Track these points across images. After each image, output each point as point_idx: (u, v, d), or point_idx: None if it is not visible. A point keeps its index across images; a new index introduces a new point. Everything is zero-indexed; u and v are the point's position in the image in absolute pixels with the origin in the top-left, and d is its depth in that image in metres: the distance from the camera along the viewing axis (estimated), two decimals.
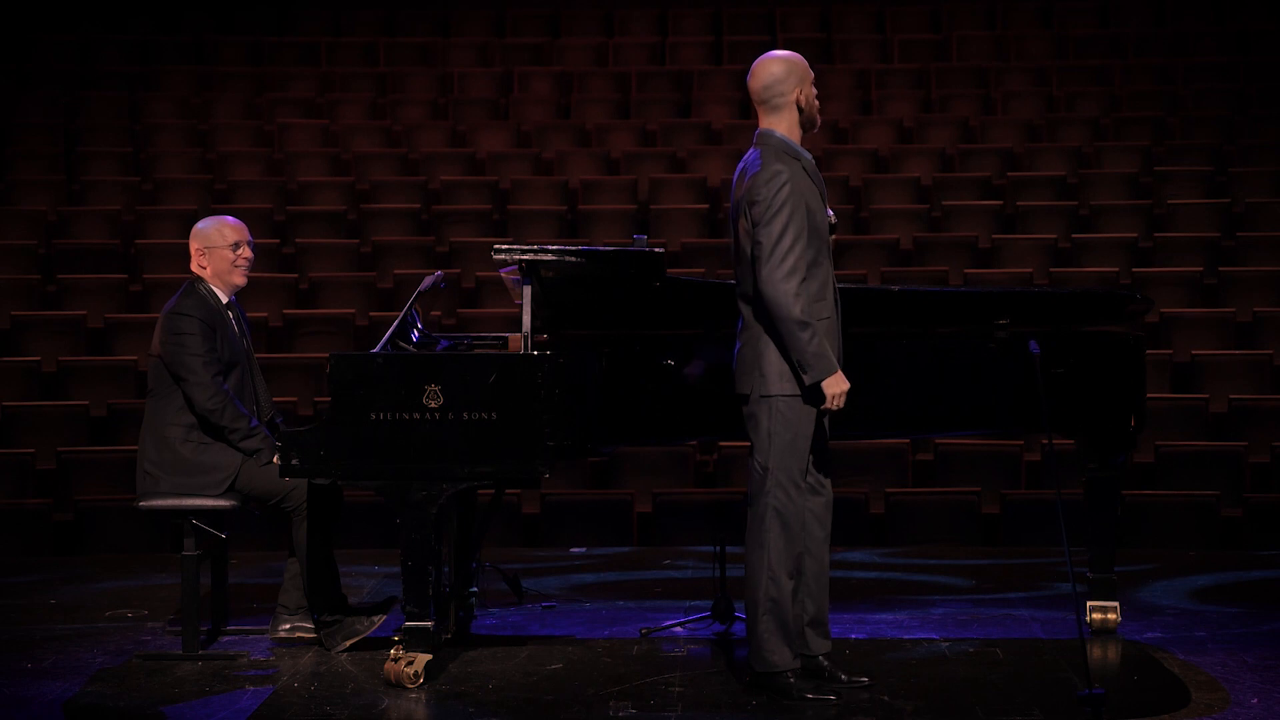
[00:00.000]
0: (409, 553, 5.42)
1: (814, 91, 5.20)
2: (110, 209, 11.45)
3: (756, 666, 5.22)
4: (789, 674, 5.18)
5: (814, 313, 5.06)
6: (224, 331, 5.92)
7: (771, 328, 5.08)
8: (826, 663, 5.32)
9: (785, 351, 5.07)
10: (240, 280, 6.02)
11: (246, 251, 6.03)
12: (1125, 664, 5.81)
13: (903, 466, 8.75)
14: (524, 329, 5.44)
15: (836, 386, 5.03)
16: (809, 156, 5.17)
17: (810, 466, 5.19)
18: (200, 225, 6.06)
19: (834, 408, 5.07)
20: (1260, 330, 9.89)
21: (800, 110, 5.16)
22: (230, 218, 6.10)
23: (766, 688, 5.23)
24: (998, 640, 6.06)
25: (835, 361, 5.05)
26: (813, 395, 5.06)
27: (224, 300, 5.99)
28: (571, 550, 8.20)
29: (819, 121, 5.23)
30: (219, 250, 5.97)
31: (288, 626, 6.04)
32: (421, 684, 5.40)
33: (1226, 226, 11.06)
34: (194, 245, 6.02)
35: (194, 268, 6.02)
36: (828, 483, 5.28)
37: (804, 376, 5.03)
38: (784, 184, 5.02)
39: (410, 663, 5.40)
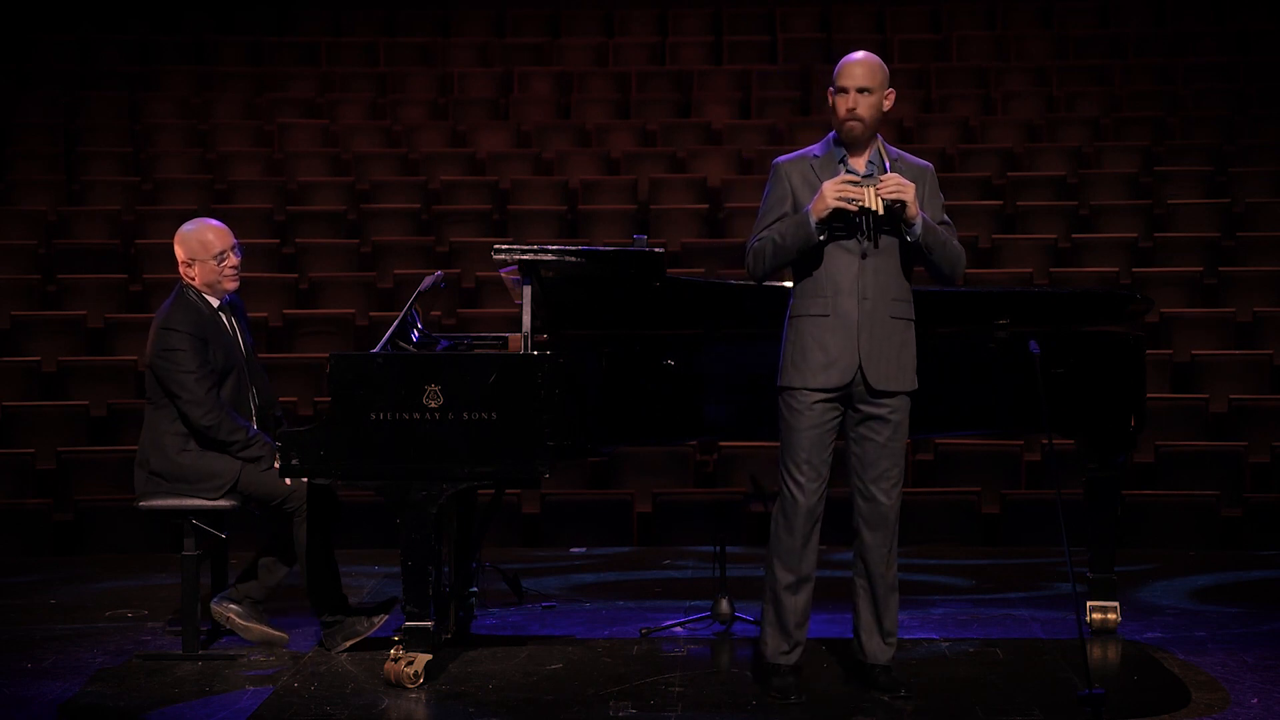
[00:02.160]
0: (409, 553, 5.42)
1: (840, 98, 5.10)
2: (110, 209, 11.45)
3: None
4: (777, 666, 5.23)
5: (804, 309, 5.12)
6: (216, 339, 5.87)
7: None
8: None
9: (787, 345, 5.15)
10: (231, 286, 5.95)
11: (232, 259, 5.93)
12: (1125, 664, 5.81)
13: (903, 466, 8.73)
14: (524, 329, 5.44)
15: (819, 201, 5.01)
16: (838, 154, 5.16)
17: (857, 469, 5.17)
18: (183, 232, 5.94)
19: (839, 201, 4.98)
20: (1260, 330, 9.89)
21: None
22: (213, 222, 5.99)
23: (756, 674, 5.39)
24: (998, 640, 6.06)
25: (801, 212, 5.06)
26: (826, 226, 5.04)
27: (215, 304, 5.96)
28: (571, 550, 8.20)
29: (840, 119, 5.11)
30: (204, 262, 5.90)
31: (219, 609, 5.98)
32: (421, 684, 5.40)
33: (1226, 226, 11.06)
34: (179, 254, 5.93)
35: (182, 274, 5.97)
36: (875, 489, 5.16)
37: (810, 231, 5.03)
38: (769, 179, 5.20)
39: (410, 663, 5.40)
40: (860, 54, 5.15)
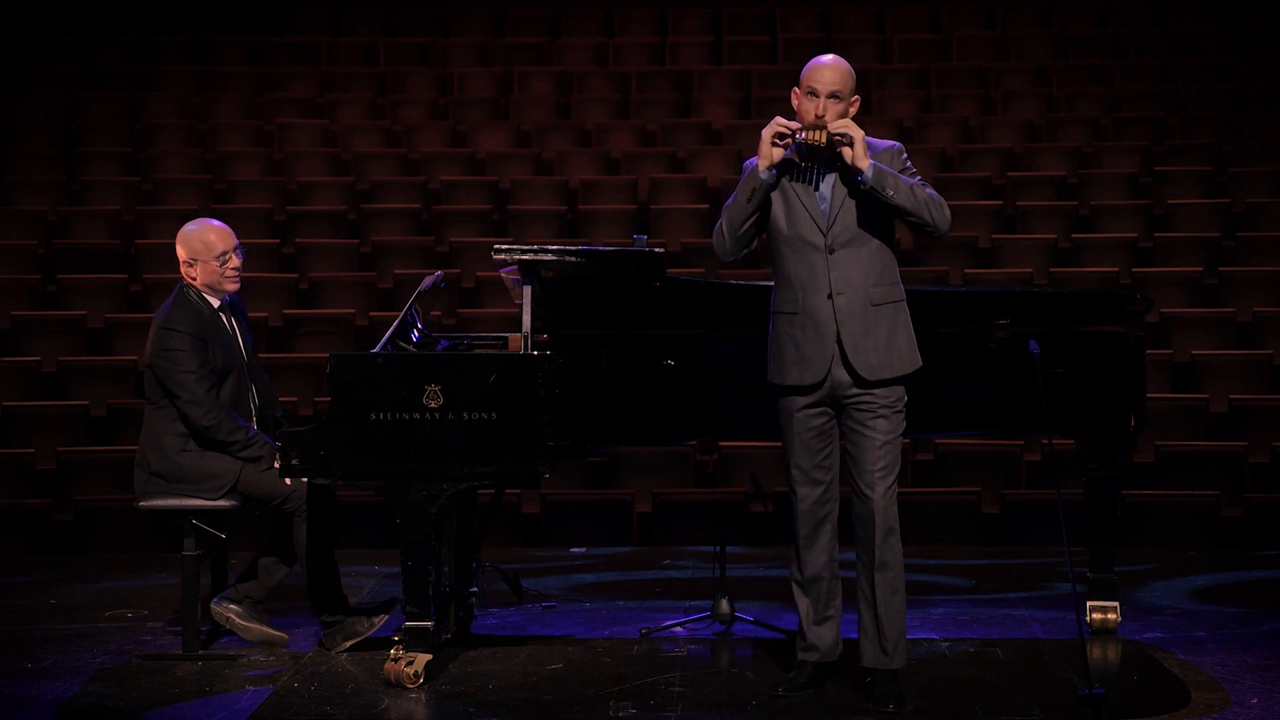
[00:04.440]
0: (409, 553, 5.42)
1: (808, 102, 5.03)
2: (110, 209, 11.45)
3: None
4: (798, 661, 5.27)
5: (778, 305, 5.12)
6: (216, 339, 5.87)
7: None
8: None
9: (769, 341, 5.14)
10: (232, 287, 5.95)
11: (234, 260, 5.93)
12: (1125, 664, 5.81)
13: (903, 466, 8.73)
14: (524, 329, 5.44)
15: (766, 132, 4.98)
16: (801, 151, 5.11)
17: (850, 467, 5.12)
18: (186, 232, 5.94)
19: (778, 127, 4.96)
20: (1260, 330, 9.89)
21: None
22: (215, 223, 5.99)
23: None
24: (998, 640, 6.06)
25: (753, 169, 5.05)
26: (775, 171, 5.02)
27: (216, 305, 5.95)
28: (571, 550, 8.20)
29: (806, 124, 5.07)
30: (206, 262, 5.90)
31: (219, 609, 5.99)
32: (421, 684, 5.40)
33: (1226, 226, 11.06)
34: (181, 254, 5.93)
35: (183, 274, 5.97)
36: (862, 485, 5.09)
37: (757, 179, 5.02)
38: (740, 179, 5.14)
39: (410, 663, 5.40)
40: (830, 57, 5.09)
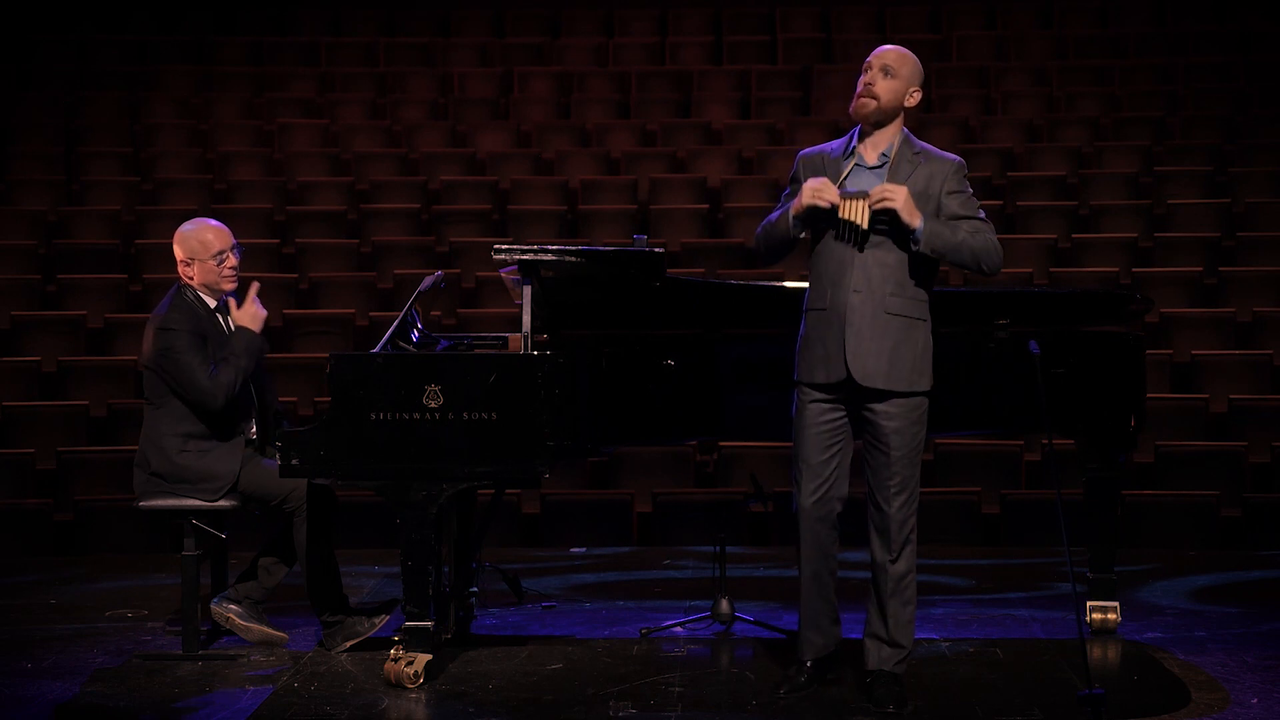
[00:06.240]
0: (409, 553, 5.42)
1: (862, 76, 5.03)
2: (110, 209, 11.45)
3: None
4: (796, 659, 5.27)
5: (810, 302, 5.10)
6: (215, 338, 5.87)
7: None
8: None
9: (800, 338, 5.12)
10: (229, 286, 5.94)
11: (231, 259, 5.92)
12: (1125, 664, 5.81)
13: None
14: (524, 329, 5.44)
15: (805, 195, 4.97)
16: (851, 147, 5.09)
17: (866, 475, 5.11)
18: (183, 232, 5.93)
19: (812, 199, 4.94)
20: (1260, 330, 9.89)
21: None
22: (213, 222, 5.98)
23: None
24: (998, 640, 6.06)
25: (786, 205, 5.06)
26: (805, 224, 5.02)
27: (213, 305, 5.95)
28: (571, 550, 8.20)
29: (855, 94, 5.06)
30: (203, 262, 5.89)
31: (219, 609, 6.00)
32: (421, 684, 5.40)
33: (1226, 226, 11.06)
34: (178, 253, 5.92)
35: (180, 274, 5.96)
36: (879, 498, 5.10)
37: (787, 224, 5.02)
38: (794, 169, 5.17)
39: (410, 663, 5.40)
40: (896, 45, 5.12)
